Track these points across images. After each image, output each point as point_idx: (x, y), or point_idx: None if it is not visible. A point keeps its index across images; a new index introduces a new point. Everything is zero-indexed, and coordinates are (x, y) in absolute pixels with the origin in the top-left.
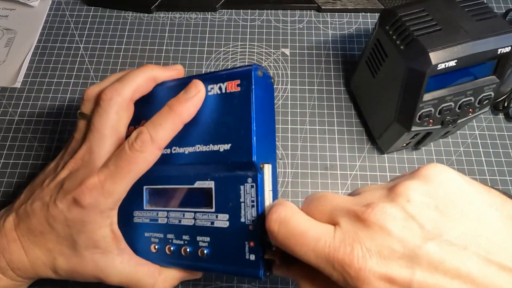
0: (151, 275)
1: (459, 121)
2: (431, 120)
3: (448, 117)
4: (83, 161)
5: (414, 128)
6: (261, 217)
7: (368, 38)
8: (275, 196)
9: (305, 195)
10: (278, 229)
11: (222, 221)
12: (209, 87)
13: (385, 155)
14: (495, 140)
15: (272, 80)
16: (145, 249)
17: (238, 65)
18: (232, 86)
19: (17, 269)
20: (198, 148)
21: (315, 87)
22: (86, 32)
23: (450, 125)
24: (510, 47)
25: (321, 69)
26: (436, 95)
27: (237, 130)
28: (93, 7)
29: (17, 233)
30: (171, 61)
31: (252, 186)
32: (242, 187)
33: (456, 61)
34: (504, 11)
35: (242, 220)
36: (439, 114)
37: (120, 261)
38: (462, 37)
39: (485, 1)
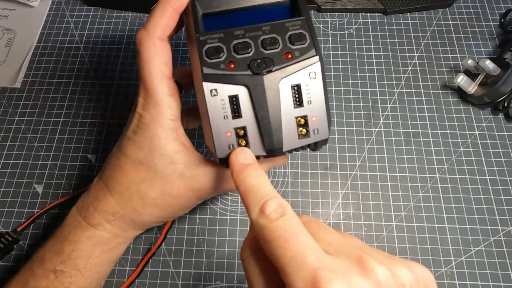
0: None
1: (276, 68)
2: (230, 63)
3: (255, 60)
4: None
5: (207, 71)
6: None
7: None
8: None
9: (305, 195)
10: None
11: None
12: None
13: (385, 156)
14: (495, 140)
15: None
16: None
17: None
18: None
19: (104, 211)
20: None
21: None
22: (86, 32)
23: (264, 71)
24: None
25: None
26: (220, 30)
27: None
28: (93, 7)
29: (103, 180)
30: None
31: None
32: None
33: None
34: (504, 11)
35: None
36: (236, 53)
37: (210, 167)
38: None
39: None
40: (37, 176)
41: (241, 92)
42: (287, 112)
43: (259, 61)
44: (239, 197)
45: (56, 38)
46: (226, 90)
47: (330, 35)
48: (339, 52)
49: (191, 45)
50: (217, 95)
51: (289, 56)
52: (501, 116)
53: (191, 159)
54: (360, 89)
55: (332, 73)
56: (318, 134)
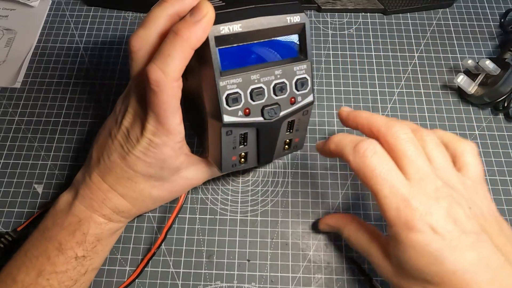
0: None
1: (282, 113)
2: (246, 109)
3: (267, 107)
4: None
5: (227, 119)
6: None
7: None
8: None
9: (305, 195)
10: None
11: None
12: None
13: None
14: (495, 140)
15: None
16: None
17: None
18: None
19: (122, 212)
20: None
21: (315, 87)
22: (86, 32)
23: (273, 118)
24: (299, 17)
25: (321, 69)
26: (237, 72)
27: None
28: (93, 7)
29: (108, 184)
30: None
31: None
32: None
33: (240, 25)
34: (504, 11)
35: None
36: (252, 99)
37: (204, 165)
38: (246, 3)
39: None
40: (37, 176)
41: (250, 130)
42: (281, 139)
43: (269, 108)
44: (239, 197)
45: (56, 38)
46: (239, 130)
47: (330, 35)
48: (339, 52)
49: (205, 70)
50: (231, 134)
51: (293, 100)
52: (501, 116)
53: (191, 162)
54: (360, 89)
55: (332, 73)
56: (297, 148)
